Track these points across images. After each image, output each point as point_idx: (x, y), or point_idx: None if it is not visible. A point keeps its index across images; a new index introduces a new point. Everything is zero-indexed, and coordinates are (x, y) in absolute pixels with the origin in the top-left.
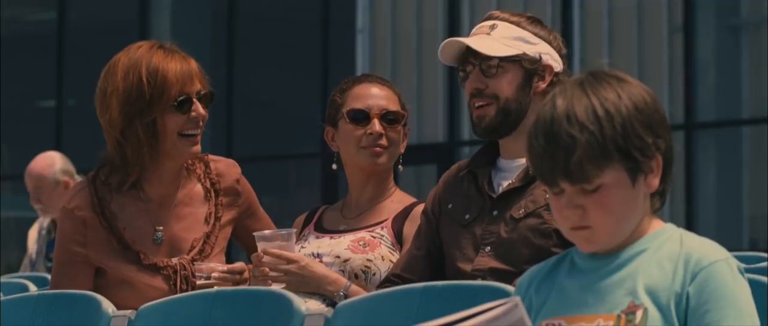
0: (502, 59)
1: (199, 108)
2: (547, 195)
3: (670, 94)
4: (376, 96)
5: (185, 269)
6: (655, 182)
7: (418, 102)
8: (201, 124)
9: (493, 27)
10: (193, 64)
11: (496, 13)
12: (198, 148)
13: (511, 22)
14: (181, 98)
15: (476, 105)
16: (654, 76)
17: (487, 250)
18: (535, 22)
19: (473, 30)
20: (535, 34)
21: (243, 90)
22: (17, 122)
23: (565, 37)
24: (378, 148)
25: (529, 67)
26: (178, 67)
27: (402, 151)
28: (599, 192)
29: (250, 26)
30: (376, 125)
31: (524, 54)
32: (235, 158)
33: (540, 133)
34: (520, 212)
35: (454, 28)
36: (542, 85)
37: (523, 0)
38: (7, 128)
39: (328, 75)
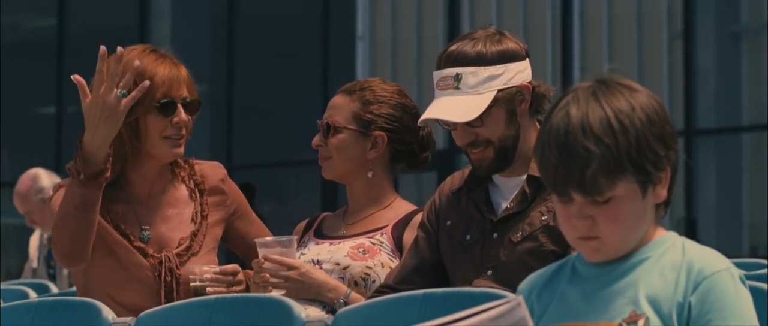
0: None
1: (182, 114)
2: (543, 217)
3: (670, 101)
4: (328, 108)
5: (170, 261)
6: (663, 193)
7: (419, 109)
8: (183, 130)
9: (457, 78)
10: (183, 71)
11: (453, 53)
12: (180, 150)
13: (472, 62)
14: (165, 101)
15: (472, 152)
16: (654, 82)
17: (488, 274)
18: (492, 39)
19: (438, 79)
20: (500, 58)
21: (243, 96)
22: (17, 129)
23: (565, 44)
24: (321, 161)
25: (509, 103)
26: (167, 71)
27: (371, 157)
28: (610, 204)
29: (250, 32)
30: (316, 138)
31: (499, 93)
32: (235, 165)
33: (554, 145)
34: (518, 235)
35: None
36: (525, 106)
37: (523, 9)
38: (7, 135)
39: (328, 82)
